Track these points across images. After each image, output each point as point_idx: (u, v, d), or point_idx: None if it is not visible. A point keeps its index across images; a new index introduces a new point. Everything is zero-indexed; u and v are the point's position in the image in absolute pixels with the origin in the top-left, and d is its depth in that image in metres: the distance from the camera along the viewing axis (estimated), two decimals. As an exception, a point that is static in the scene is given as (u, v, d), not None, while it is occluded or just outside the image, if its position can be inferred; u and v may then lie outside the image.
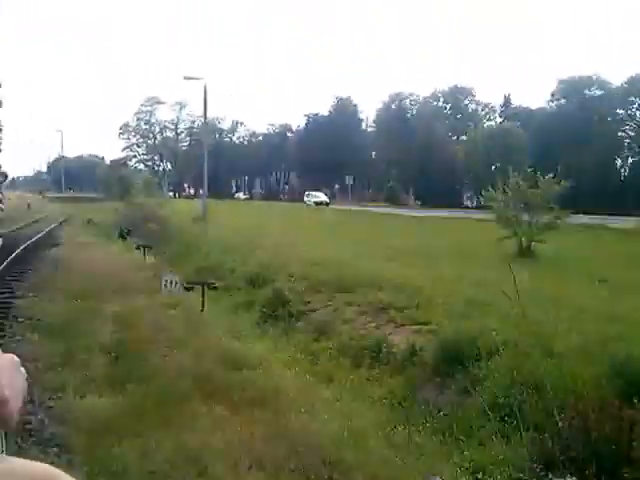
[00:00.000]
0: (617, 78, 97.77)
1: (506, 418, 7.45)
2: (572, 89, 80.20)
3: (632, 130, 78.94)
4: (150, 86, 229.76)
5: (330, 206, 64.66)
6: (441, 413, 8.50)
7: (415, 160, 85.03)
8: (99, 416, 6.89)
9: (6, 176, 36.73)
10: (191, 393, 7.77)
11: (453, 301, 12.06)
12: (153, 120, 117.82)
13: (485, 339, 9.36)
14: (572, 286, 13.84)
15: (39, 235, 27.07)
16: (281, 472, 5.91)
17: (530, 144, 73.68)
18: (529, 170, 25.06)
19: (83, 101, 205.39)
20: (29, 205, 54.49)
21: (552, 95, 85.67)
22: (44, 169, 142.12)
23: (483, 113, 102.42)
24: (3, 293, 14.02)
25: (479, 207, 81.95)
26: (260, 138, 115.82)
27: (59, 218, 42.32)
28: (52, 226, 34.17)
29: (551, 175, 23.15)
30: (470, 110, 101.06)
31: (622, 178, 78.26)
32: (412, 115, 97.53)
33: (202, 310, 13.04)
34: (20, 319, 11.81)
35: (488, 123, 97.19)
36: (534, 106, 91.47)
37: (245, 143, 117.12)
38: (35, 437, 6.39)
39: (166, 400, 7.39)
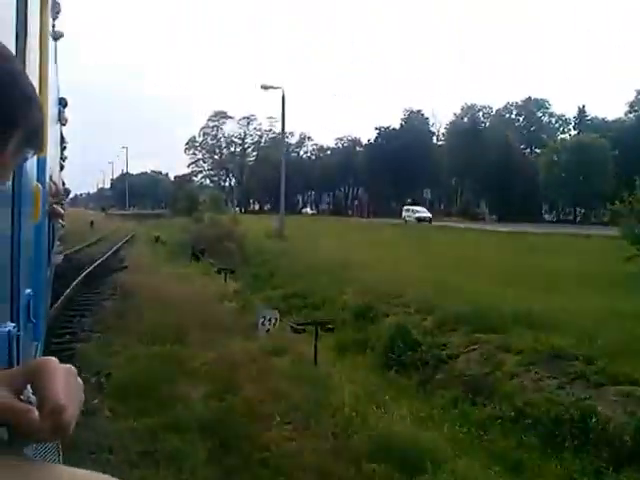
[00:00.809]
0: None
1: None
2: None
3: None
4: (208, 100, 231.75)
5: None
6: None
7: (489, 173, 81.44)
8: None
9: (69, 192, 34.74)
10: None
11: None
12: (220, 135, 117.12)
13: None
14: None
15: (104, 256, 24.55)
16: None
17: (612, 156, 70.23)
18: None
19: (146, 117, 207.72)
20: (92, 223, 52.70)
21: (630, 106, 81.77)
22: (107, 185, 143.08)
23: (557, 125, 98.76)
24: (63, 334, 11.26)
25: (560, 221, 78.27)
26: (328, 152, 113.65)
27: (124, 236, 40.07)
28: (117, 245, 31.74)
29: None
30: (543, 122, 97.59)
31: None
32: (485, 127, 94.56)
33: (315, 363, 10.03)
34: (84, 374, 9.00)
35: (562, 135, 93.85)
36: (610, 117, 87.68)
37: (312, 158, 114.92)
38: None
39: None
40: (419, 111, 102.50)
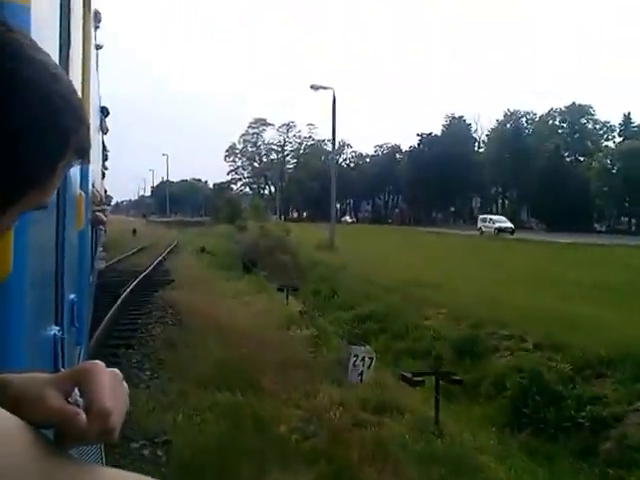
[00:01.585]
0: None
1: None
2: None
3: None
4: (249, 109, 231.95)
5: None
6: None
7: (534, 180, 78.11)
8: None
9: (111, 199, 32.95)
10: None
11: None
12: (259, 142, 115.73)
13: None
14: None
15: (148, 269, 22.28)
16: None
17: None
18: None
19: (184, 126, 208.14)
20: (135, 231, 50.77)
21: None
22: (148, 193, 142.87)
23: (601, 132, 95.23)
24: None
25: (613, 231, 74.48)
26: (367, 160, 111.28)
27: (167, 245, 37.91)
28: (161, 256, 29.48)
29: None
30: (587, 128, 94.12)
31: None
32: (528, 134, 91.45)
33: (437, 423, 7.52)
34: (133, 442, 6.64)
35: (606, 143, 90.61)
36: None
37: (351, 165, 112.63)
38: None
39: None
40: (461, 117, 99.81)
